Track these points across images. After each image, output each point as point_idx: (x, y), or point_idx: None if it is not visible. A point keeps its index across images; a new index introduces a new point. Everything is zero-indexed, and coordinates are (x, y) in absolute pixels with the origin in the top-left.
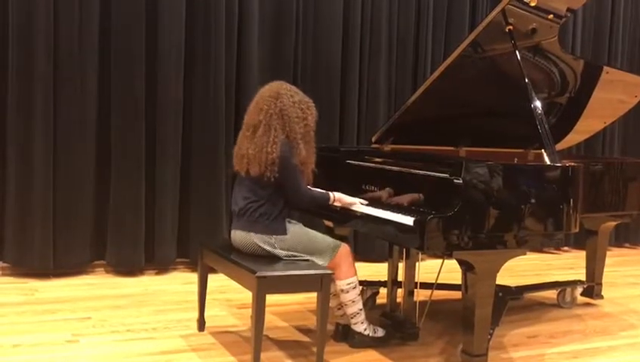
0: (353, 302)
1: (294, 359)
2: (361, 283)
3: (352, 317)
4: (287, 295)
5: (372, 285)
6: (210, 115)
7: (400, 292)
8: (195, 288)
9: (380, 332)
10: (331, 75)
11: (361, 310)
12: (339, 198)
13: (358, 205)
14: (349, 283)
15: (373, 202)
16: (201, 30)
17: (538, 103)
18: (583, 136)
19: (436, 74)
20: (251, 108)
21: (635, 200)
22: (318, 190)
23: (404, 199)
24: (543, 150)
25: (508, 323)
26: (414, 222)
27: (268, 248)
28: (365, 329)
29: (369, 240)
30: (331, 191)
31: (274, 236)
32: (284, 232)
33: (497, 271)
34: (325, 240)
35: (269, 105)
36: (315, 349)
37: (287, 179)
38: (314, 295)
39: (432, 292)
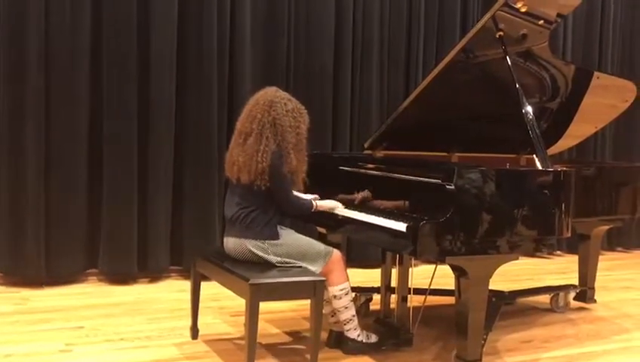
0: (346, 308)
1: None
2: (354, 289)
3: (344, 324)
4: (281, 302)
5: (365, 291)
6: (203, 121)
7: (393, 298)
8: (188, 296)
9: (373, 338)
10: (324, 81)
11: (353, 316)
12: (320, 206)
13: (340, 208)
14: (341, 289)
15: (366, 208)
16: (193, 36)
17: (529, 108)
18: (574, 141)
19: (428, 80)
20: (244, 114)
21: (626, 204)
22: (303, 197)
23: (397, 203)
24: (534, 155)
25: (501, 328)
26: (407, 228)
27: (261, 254)
28: (358, 336)
29: (362, 246)
30: (317, 194)
31: (266, 241)
32: (276, 237)
33: (490, 276)
34: (317, 246)
35: (263, 114)
36: (308, 356)
37: (277, 188)
38: (307, 302)
39: (425, 298)
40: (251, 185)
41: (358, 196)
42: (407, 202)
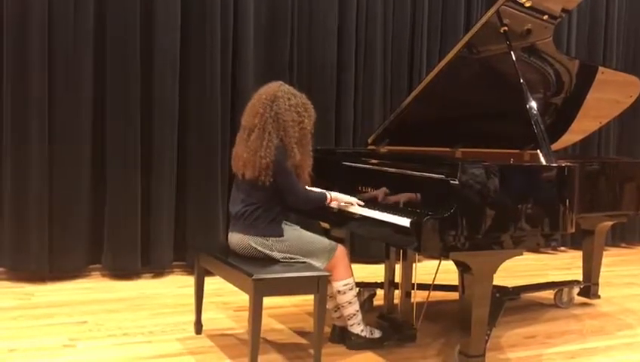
0: (350, 303)
1: (291, 361)
2: (358, 284)
3: (348, 319)
4: (284, 297)
5: (369, 286)
6: (206, 117)
7: (397, 293)
8: (191, 291)
9: (377, 334)
10: (327, 77)
11: (357, 311)
12: (335, 198)
13: (355, 206)
14: (345, 285)
15: (370, 203)
16: (196, 32)
17: (534, 104)
18: (578, 136)
19: (432, 75)
20: (248, 110)
21: (631, 200)
22: (316, 190)
23: (400, 198)
24: (538, 150)
25: (505, 323)
26: (411, 223)
27: (265, 250)
28: (362, 331)
29: (366, 242)
30: (328, 191)
31: (271, 238)
32: (280, 234)
33: (494, 272)
34: (322, 242)
35: (265, 109)
36: (312, 351)
37: (282, 182)
38: (311, 297)
39: (429, 294)
40: (256, 181)
41: (375, 194)
42: (410, 197)
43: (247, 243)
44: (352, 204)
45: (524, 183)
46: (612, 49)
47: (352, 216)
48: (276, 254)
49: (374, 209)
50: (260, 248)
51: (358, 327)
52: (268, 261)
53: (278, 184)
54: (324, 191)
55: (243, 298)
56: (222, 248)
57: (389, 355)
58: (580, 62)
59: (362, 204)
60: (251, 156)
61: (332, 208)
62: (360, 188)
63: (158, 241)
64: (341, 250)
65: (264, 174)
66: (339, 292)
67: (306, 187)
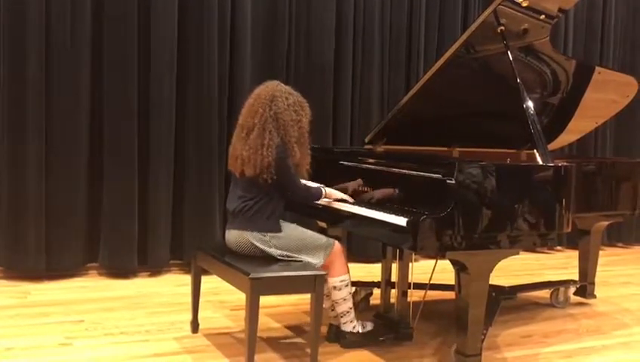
0: (344, 300)
1: (288, 360)
2: (354, 283)
3: (341, 316)
4: (281, 296)
5: (366, 286)
6: (203, 115)
7: (394, 292)
8: (188, 290)
9: (369, 326)
10: (324, 76)
11: (351, 309)
12: (329, 194)
13: (349, 201)
14: (341, 281)
15: (366, 202)
16: (193, 30)
17: (530, 103)
18: (575, 136)
19: (429, 74)
20: (246, 109)
21: (627, 200)
22: (313, 184)
23: (397, 197)
24: (535, 150)
25: (501, 323)
26: (407, 222)
27: (262, 246)
28: (354, 327)
29: (363, 241)
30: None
31: (268, 234)
32: (278, 230)
33: (490, 271)
34: (319, 238)
35: (264, 109)
36: (308, 350)
37: (285, 180)
38: (307, 296)
39: (425, 293)
40: (256, 179)
41: (350, 186)
42: (407, 197)
43: (245, 239)
44: (345, 199)
45: (520, 183)
46: (608, 49)
47: (348, 215)
48: (273, 251)
49: (371, 208)
50: (258, 244)
51: (350, 325)
52: (265, 259)
53: (279, 181)
54: (320, 187)
55: (240, 297)
56: (219, 247)
57: (386, 354)
58: (577, 62)
59: (351, 200)
60: (252, 154)
61: (329, 207)
62: (357, 187)
63: (155, 240)
64: (338, 247)
65: (266, 172)
66: (334, 288)
67: (304, 182)
